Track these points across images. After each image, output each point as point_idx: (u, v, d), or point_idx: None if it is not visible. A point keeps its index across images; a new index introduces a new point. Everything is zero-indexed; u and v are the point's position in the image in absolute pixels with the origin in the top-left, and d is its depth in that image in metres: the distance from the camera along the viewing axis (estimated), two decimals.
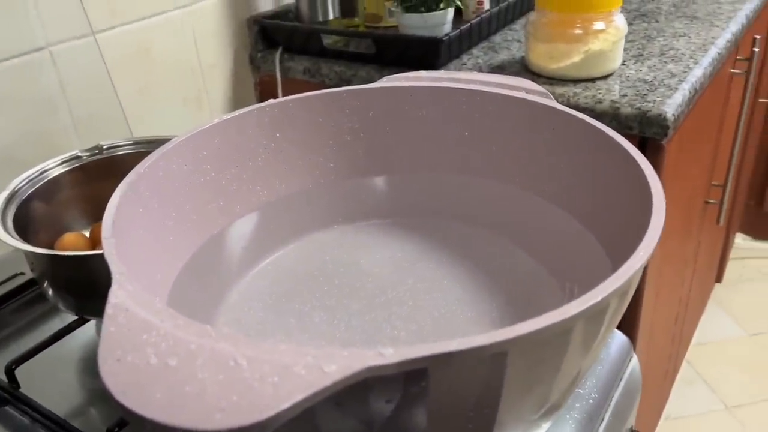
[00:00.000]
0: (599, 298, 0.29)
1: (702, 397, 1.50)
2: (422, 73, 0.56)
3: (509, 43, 0.93)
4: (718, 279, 1.69)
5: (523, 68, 0.83)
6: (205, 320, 0.47)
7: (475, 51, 0.91)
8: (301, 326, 0.47)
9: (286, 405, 0.25)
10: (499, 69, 0.83)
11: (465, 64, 0.86)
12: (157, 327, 0.30)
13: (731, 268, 1.90)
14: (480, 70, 0.84)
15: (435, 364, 0.28)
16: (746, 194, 1.92)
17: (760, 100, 1.43)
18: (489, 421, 0.32)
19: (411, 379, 0.30)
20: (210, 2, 0.88)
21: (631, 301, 0.81)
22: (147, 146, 0.64)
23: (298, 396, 0.25)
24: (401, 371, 0.27)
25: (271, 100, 0.53)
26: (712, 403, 1.48)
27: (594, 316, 0.31)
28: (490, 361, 0.29)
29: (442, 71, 0.58)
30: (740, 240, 2.00)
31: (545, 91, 0.52)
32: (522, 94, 0.51)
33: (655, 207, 0.36)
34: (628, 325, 0.82)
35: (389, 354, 0.27)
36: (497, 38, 0.95)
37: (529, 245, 0.51)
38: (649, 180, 0.38)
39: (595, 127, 0.45)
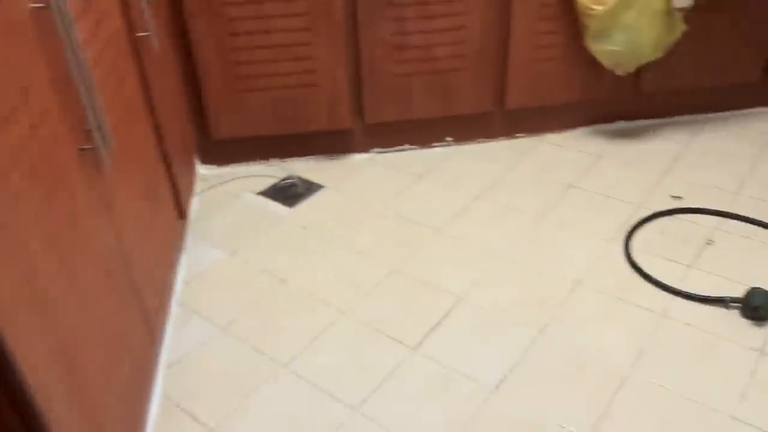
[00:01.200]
0: None
1: (198, 330, 1.53)
2: None
3: None
4: (182, 216, 1.71)
5: None
6: None
7: None
8: None
9: None
10: None
11: None
12: None
13: (206, 198, 1.98)
14: None
15: None
16: (193, 127, 1.99)
17: (138, 34, 1.43)
18: None
19: None
20: None
21: None
22: None
23: None
24: None
25: None
26: (209, 331, 1.52)
27: None
28: None
29: None
30: (205, 171, 2.09)
31: None
32: None
33: None
34: None
35: None
36: None
37: None
38: None
39: None
